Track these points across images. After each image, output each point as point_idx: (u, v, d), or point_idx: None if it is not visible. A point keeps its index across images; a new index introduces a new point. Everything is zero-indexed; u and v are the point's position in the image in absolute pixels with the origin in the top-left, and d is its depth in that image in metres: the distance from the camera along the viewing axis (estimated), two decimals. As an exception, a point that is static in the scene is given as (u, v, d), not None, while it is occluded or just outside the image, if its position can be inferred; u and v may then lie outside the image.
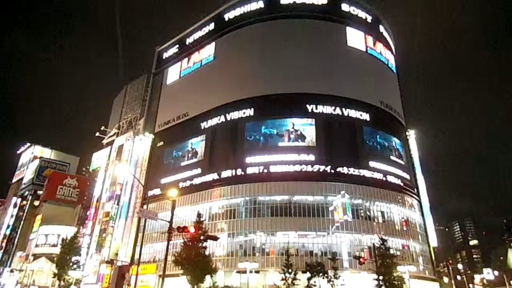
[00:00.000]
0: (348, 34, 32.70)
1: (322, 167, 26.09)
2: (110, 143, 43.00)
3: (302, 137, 27.46)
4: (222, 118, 30.71)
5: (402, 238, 25.72)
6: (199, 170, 29.49)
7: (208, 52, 36.19)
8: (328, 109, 28.77)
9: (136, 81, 44.79)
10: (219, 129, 30.55)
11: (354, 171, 26.33)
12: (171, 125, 35.61)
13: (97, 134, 45.19)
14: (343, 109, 28.93)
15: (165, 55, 42.05)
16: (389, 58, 36.17)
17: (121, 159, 37.50)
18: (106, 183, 38.27)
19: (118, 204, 34.22)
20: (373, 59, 33.49)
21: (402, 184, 28.43)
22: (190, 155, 31.76)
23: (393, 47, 38.26)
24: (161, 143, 35.22)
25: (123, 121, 43.58)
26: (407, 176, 29.77)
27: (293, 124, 28.04)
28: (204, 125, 31.91)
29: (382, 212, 26.09)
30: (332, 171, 26.05)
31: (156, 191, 31.89)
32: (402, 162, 30.18)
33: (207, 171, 28.77)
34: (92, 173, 44.65)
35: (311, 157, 26.36)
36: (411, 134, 34.09)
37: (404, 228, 26.53)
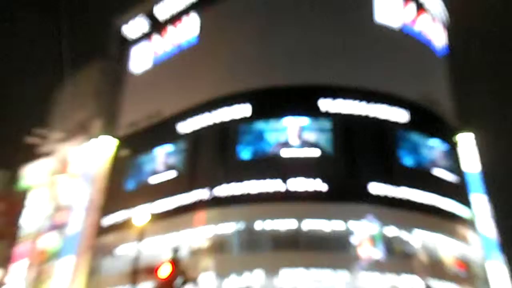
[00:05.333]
0: (376, 5, 35.04)
1: (342, 184, 27.93)
2: (52, 152, 43.82)
3: (314, 144, 29.38)
4: (208, 119, 32.59)
5: (456, 283, 26.97)
6: (176, 188, 31.12)
7: (189, 30, 38.28)
8: (349, 106, 30.63)
9: (89, 68, 46.06)
10: (203, 133, 32.30)
11: (385, 189, 28.04)
12: (138, 127, 37.33)
13: (33, 139, 45.74)
14: (370, 105, 30.82)
15: (131, 33, 44.02)
16: (435, 36, 38.24)
17: (68, 174, 39.06)
18: (48, 207, 39.26)
19: (64, 235, 35.28)
20: (411, 38, 35.64)
21: (452, 209, 30.00)
22: (164, 168, 33.40)
23: (440, 21, 40.22)
24: (125, 152, 36.88)
25: (71, 121, 44.58)
26: (460, 198, 31.33)
27: (303, 127, 29.97)
28: (183, 127, 33.72)
29: (425, 247, 27.37)
30: (356, 189, 27.77)
31: (117, 218, 33.39)
32: (453, 178, 31.95)
33: (187, 189, 30.31)
34: (25, 194, 45.08)
35: (327, 171, 28.23)
36: (466, 140, 35.60)
37: (456, 269, 28.01)
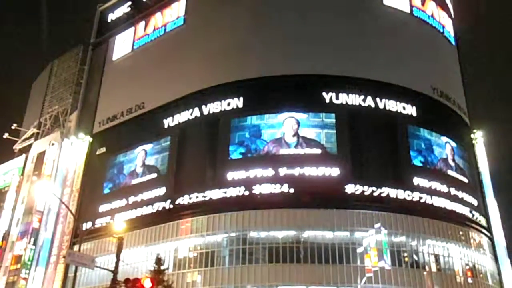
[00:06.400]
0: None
1: (347, 187, 26.29)
2: (26, 150, 42.65)
3: (315, 141, 27.83)
4: (196, 112, 30.98)
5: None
6: (160, 191, 29.60)
7: (175, 12, 36.65)
8: (355, 99, 29.13)
9: (66, 56, 44.88)
10: (191, 129, 30.80)
11: (394, 193, 26.59)
12: (118, 122, 35.84)
13: (6, 135, 44.80)
14: (378, 99, 29.30)
15: (111, 17, 42.36)
16: (446, 23, 36.71)
17: (41, 174, 37.29)
18: (18, 211, 37.80)
19: (35, 243, 33.94)
20: (421, 24, 34.16)
21: (465, 213, 28.76)
22: (146, 168, 31.92)
23: (451, 7, 38.74)
24: (103, 149, 35.43)
25: (46, 116, 43.44)
26: (473, 201, 30.11)
27: (302, 122, 28.42)
28: (168, 122, 32.14)
29: (436, 256, 26.47)
30: (361, 192, 26.28)
31: (94, 224, 31.87)
32: (466, 180, 30.57)
33: (172, 192, 28.87)
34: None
35: (330, 172, 26.60)
36: (479, 138, 34.27)
37: (470, 280, 26.81)
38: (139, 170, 32.13)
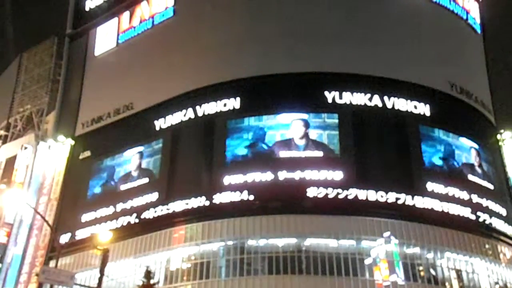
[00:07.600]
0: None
1: (352, 192, 28.65)
2: None
3: (317, 143, 30.69)
4: (190, 113, 34.05)
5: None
6: (152, 197, 32.42)
7: (163, 2, 39.51)
8: (360, 98, 31.86)
9: (38, 48, 47.64)
10: (184, 131, 33.90)
11: (404, 199, 28.88)
12: (104, 123, 38.79)
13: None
14: (385, 97, 31.94)
15: (89, 4, 45.36)
16: (471, 8, 39.17)
17: (11, 182, 39.34)
18: None
19: (2, 260, 35.78)
20: (440, 11, 36.81)
21: (491, 224, 30.67)
22: (136, 173, 34.84)
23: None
24: (87, 153, 38.19)
25: (16, 116, 46.35)
26: (501, 211, 31.98)
27: (303, 123, 31.34)
28: (160, 124, 35.20)
29: (458, 272, 28.14)
30: (368, 198, 28.60)
31: (75, 235, 34.62)
32: (491, 186, 32.76)
33: (164, 198, 31.66)
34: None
35: (333, 175, 29.24)
36: (507, 138, 36.78)
37: None
38: (135, 173, 34.83)
